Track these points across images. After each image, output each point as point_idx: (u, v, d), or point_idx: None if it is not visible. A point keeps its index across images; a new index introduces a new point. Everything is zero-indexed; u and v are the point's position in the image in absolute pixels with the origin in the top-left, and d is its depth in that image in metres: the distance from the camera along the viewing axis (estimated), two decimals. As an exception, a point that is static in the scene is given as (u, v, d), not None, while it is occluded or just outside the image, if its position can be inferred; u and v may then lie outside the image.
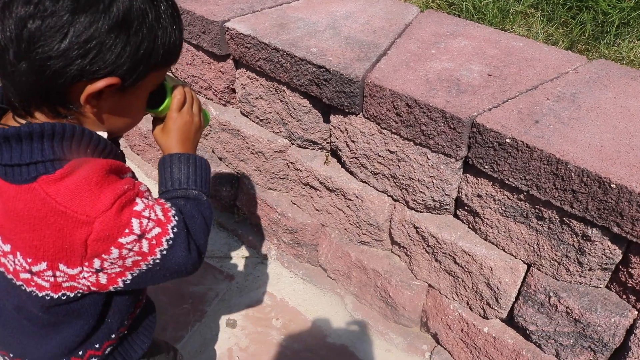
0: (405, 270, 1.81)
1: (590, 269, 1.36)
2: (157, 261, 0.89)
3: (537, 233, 1.41)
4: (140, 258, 0.87)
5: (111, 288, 0.90)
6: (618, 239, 1.27)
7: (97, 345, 1.05)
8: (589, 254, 1.32)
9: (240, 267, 2.23)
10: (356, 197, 1.76)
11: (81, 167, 0.82)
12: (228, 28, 1.76)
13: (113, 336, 1.07)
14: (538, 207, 1.35)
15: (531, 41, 1.65)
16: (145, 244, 0.87)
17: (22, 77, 0.78)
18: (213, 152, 2.25)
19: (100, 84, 0.81)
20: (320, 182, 1.84)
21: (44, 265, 0.86)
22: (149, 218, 0.86)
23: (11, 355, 1.04)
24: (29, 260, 0.86)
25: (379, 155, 1.62)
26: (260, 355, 1.90)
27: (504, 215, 1.45)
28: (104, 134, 0.91)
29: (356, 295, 1.99)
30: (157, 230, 0.88)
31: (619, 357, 1.41)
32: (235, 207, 2.30)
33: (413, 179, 1.57)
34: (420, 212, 1.65)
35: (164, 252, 0.89)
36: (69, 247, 0.83)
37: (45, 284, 0.89)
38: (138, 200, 0.86)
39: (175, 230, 0.90)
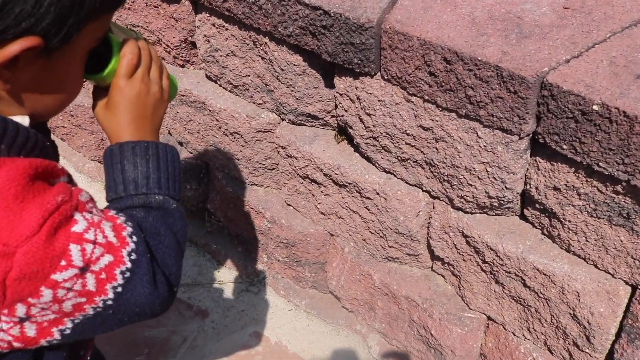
0: (453, 297, 1.85)
1: None
2: (109, 302, 0.90)
3: None
4: (84, 300, 0.88)
5: (43, 342, 0.90)
6: None
7: None
8: None
9: (217, 298, 2.29)
10: (377, 194, 1.79)
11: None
12: None
13: None
14: None
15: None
16: (90, 280, 0.87)
17: None
18: (170, 133, 2.29)
19: (14, 47, 0.80)
20: (325, 174, 1.87)
21: None
22: (94, 242, 0.86)
23: None
24: None
25: (408, 134, 1.63)
26: None
27: (594, 215, 1.45)
28: (25, 120, 0.90)
29: (384, 333, 2.04)
30: (107, 258, 0.88)
31: None
32: (206, 212, 2.37)
33: (458, 167, 1.59)
34: (471, 213, 1.68)
35: (119, 290, 0.90)
36: None
37: None
38: (78, 216, 0.86)
39: (133, 256, 0.91)
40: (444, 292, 1.85)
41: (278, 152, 1.97)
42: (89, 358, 1.18)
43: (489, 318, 1.80)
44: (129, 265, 0.90)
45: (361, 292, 2.00)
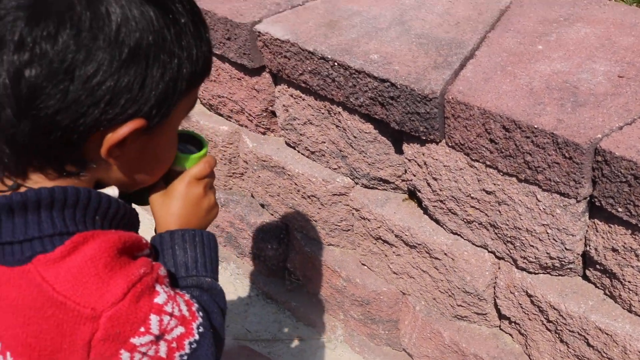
0: (521, 356, 1.85)
1: None
2: None
3: None
4: None
5: None
6: None
7: None
8: None
9: (296, 354, 2.34)
10: (445, 254, 1.83)
11: (87, 243, 0.88)
12: (260, 32, 1.90)
13: None
14: None
15: (685, 23, 1.67)
16: (163, 347, 0.93)
17: (25, 138, 0.85)
18: (252, 196, 2.38)
19: (123, 130, 0.88)
20: (396, 235, 1.92)
21: None
22: (171, 314, 0.93)
23: None
24: None
25: (472, 197, 1.69)
26: None
27: None
28: (115, 191, 0.98)
29: None
30: (179, 330, 0.94)
31: None
32: (286, 271, 2.42)
33: (520, 229, 1.63)
34: (535, 273, 1.71)
35: (186, 357, 0.95)
36: (68, 349, 0.89)
37: None
38: (159, 288, 0.92)
39: (200, 330, 0.97)
40: (511, 351, 1.86)
41: (352, 214, 2.04)
42: None
43: None
44: (196, 337, 0.95)
45: (432, 350, 2.02)
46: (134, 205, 1.09)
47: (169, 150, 1.04)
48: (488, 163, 1.59)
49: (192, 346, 0.95)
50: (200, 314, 0.98)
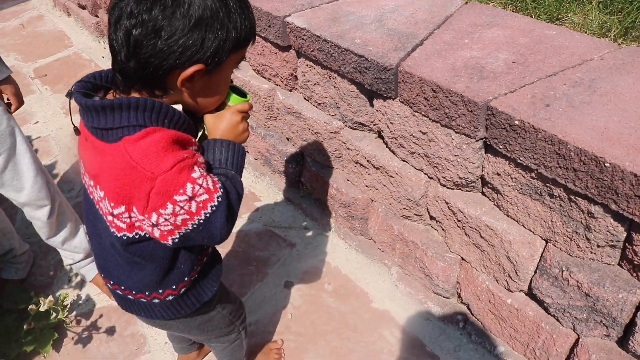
0: (442, 244, 1.92)
1: (598, 246, 1.43)
2: (201, 221, 1.02)
3: (550, 210, 1.49)
4: (188, 217, 1.01)
5: (166, 243, 1.05)
6: (619, 217, 1.33)
7: (173, 286, 1.24)
8: (595, 231, 1.39)
9: (302, 237, 2.43)
10: (397, 174, 1.89)
11: (154, 133, 0.98)
12: (288, 22, 1.96)
13: (186, 279, 1.24)
14: (548, 184, 1.44)
15: (565, 30, 1.70)
16: (194, 205, 1.00)
17: (131, 71, 0.98)
18: (282, 133, 2.47)
19: (189, 70, 0.98)
20: (368, 160, 2.00)
21: (122, 209, 1.03)
22: (201, 185, 0.99)
23: (111, 282, 1.27)
24: (112, 204, 1.04)
25: (413, 136, 1.75)
26: (311, 314, 2.11)
27: (521, 192, 1.54)
28: (179, 107, 1.05)
29: (400, 266, 2.13)
30: (205, 196, 1.01)
31: (629, 333, 1.47)
32: (300, 183, 2.51)
33: (441, 158, 1.69)
34: (451, 188, 1.76)
35: (207, 215, 1.02)
36: (138, 196, 0.99)
37: (122, 225, 1.06)
38: (196, 168, 0.99)
39: (219, 199, 1.03)
40: (436, 240, 1.94)
41: (342, 145, 2.10)
42: (210, 250, 1.31)
43: (462, 258, 1.87)
44: (215, 203, 1.02)
45: (387, 238, 2.11)
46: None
47: (221, 89, 1.10)
48: (423, 113, 1.64)
49: (212, 209, 1.02)
50: (221, 190, 1.04)
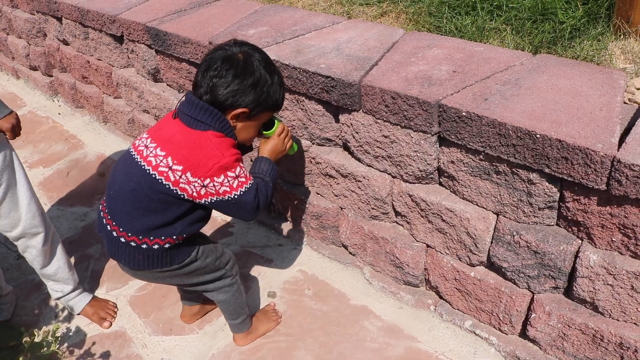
0: (408, 236, 2.12)
1: (539, 209, 1.73)
2: (235, 196, 1.52)
3: (497, 186, 1.75)
4: (228, 189, 1.50)
5: (202, 200, 1.51)
6: (552, 179, 1.64)
7: (162, 237, 1.59)
8: (535, 195, 1.70)
9: (278, 253, 2.59)
10: (364, 177, 2.07)
11: (226, 138, 1.53)
12: None
13: (174, 237, 1.61)
14: (494, 163, 1.71)
15: (490, 46, 2.05)
16: (235, 183, 1.51)
17: (205, 100, 1.51)
18: (251, 159, 2.65)
19: (238, 110, 1.53)
20: (336, 171, 2.17)
21: (180, 167, 1.47)
22: (243, 172, 1.54)
23: (113, 223, 1.62)
24: (175, 162, 1.47)
25: (377, 141, 1.94)
26: (296, 317, 2.28)
27: (472, 175, 1.76)
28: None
29: (372, 264, 2.32)
30: (243, 179, 1.53)
31: (572, 281, 1.76)
32: (272, 205, 2.67)
33: (403, 155, 1.89)
34: (413, 183, 1.96)
35: (241, 192, 1.53)
36: (202, 164, 1.45)
37: (172, 177, 1.47)
38: (240, 164, 1.54)
39: (250, 185, 1.56)
40: (402, 233, 2.12)
41: (311, 161, 2.26)
42: (192, 235, 1.69)
43: (427, 245, 2.06)
44: (248, 186, 1.56)
45: (358, 239, 2.27)
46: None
47: (251, 132, 1.63)
48: (384, 119, 1.84)
49: (245, 189, 1.55)
50: (252, 182, 1.57)
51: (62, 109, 4.20)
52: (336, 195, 2.30)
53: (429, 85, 1.79)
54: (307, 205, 2.44)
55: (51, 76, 4.21)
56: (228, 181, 1.49)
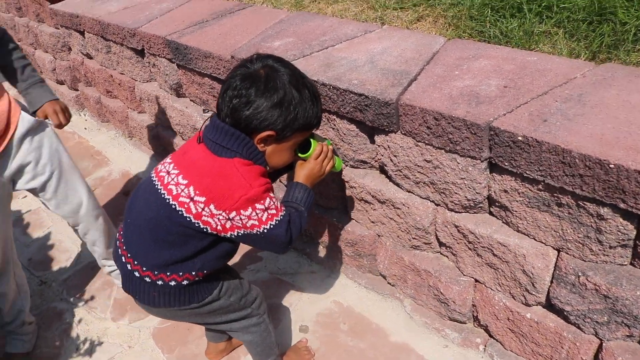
0: (453, 269, 1.97)
1: (610, 247, 1.50)
2: (265, 230, 1.41)
3: (559, 219, 1.56)
4: (256, 223, 1.39)
5: (228, 234, 1.40)
6: (628, 215, 1.41)
7: (180, 273, 1.49)
8: (606, 232, 1.47)
9: (310, 281, 2.46)
10: (403, 205, 1.94)
11: (255, 166, 1.42)
12: None
13: (193, 273, 1.50)
14: (555, 194, 1.52)
15: (544, 55, 1.83)
16: (264, 216, 1.39)
17: (227, 123, 1.40)
18: (279, 182, 2.53)
19: (264, 134, 1.40)
20: (372, 196, 2.04)
21: (203, 199, 1.36)
22: (274, 204, 1.42)
23: (128, 255, 1.53)
24: (197, 192, 1.37)
25: (418, 165, 1.81)
26: (330, 355, 2.11)
27: (529, 206, 1.61)
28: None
29: (413, 297, 2.17)
30: (273, 211, 1.41)
31: (651, 328, 1.53)
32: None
33: (448, 182, 1.75)
34: (459, 212, 1.82)
35: (271, 226, 1.41)
36: (227, 196, 1.34)
37: (194, 210, 1.37)
38: (271, 194, 1.43)
39: (281, 218, 1.44)
40: (447, 266, 1.98)
41: (344, 185, 2.14)
42: (213, 270, 1.58)
43: (476, 280, 1.91)
44: (279, 219, 1.43)
45: (397, 270, 2.15)
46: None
47: (285, 156, 1.50)
48: (426, 142, 1.71)
49: (276, 222, 1.42)
50: (284, 212, 1.45)
51: (89, 124, 4.15)
52: (373, 222, 2.16)
53: (476, 104, 1.61)
54: (341, 232, 2.30)
55: (77, 90, 4.17)
56: (256, 214, 1.38)
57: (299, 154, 1.57)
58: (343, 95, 1.86)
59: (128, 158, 3.66)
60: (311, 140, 1.58)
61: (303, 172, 1.61)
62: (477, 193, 1.72)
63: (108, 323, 2.46)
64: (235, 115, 1.37)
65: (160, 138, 3.30)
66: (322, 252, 2.51)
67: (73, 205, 2.08)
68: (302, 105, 1.40)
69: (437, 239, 1.99)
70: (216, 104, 1.43)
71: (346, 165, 2.15)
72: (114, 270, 2.42)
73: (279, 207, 1.45)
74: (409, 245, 2.09)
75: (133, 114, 3.50)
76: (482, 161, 1.63)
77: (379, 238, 2.20)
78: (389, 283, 2.28)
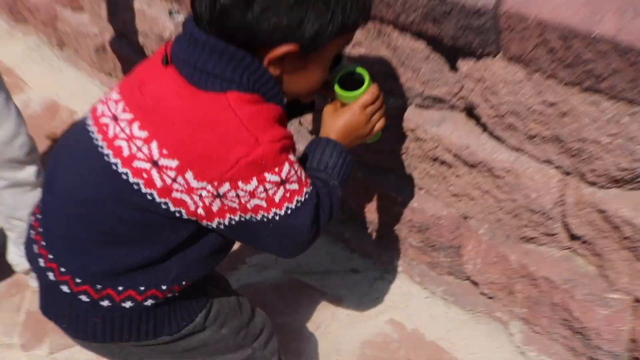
0: (596, 278, 1.96)
1: None
2: (277, 218, 1.38)
3: None
4: (265, 205, 1.35)
5: (214, 222, 1.37)
6: None
7: (141, 288, 1.47)
8: None
9: (351, 286, 2.49)
10: (508, 172, 1.95)
11: (263, 102, 1.37)
12: None
13: (163, 288, 1.49)
14: None
15: None
16: (280, 193, 1.35)
17: (211, 34, 1.32)
18: (300, 123, 2.52)
19: (279, 50, 1.32)
20: (455, 155, 2.05)
21: (174, 163, 1.31)
22: (296, 172, 1.37)
23: (49, 255, 1.51)
24: (164, 152, 1.32)
25: (533, 111, 1.79)
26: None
27: None
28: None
29: (525, 319, 2.18)
30: (295, 186, 1.37)
31: None
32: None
33: (586, 141, 1.73)
34: (606, 188, 1.80)
35: (289, 211, 1.38)
36: (215, 158, 1.29)
37: (158, 182, 1.33)
38: (292, 155, 1.37)
39: (307, 196, 1.41)
40: (585, 273, 1.96)
41: (406, 135, 2.16)
42: (212, 275, 1.69)
43: (636, 299, 1.88)
44: (304, 198, 1.39)
45: (499, 276, 2.16)
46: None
47: (317, 78, 1.48)
48: (548, 74, 1.68)
49: (297, 204, 1.38)
50: (311, 187, 1.43)
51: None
52: (455, 196, 2.19)
53: (635, 15, 1.54)
54: (401, 208, 2.33)
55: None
56: (265, 190, 1.34)
57: (338, 90, 1.59)
58: (404, -6, 1.82)
59: (56, 81, 3.66)
60: (360, 71, 1.60)
61: (339, 124, 1.61)
62: (636, 160, 1.68)
63: (15, 353, 2.51)
64: (228, 22, 1.30)
65: (109, 51, 3.32)
66: (369, 238, 2.54)
67: (10, 125, 2.23)
68: None
69: (567, 229, 1.97)
70: (190, 3, 1.37)
71: (408, 104, 2.15)
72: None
73: (303, 178, 1.41)
74: (518, 235, 2.08)
75: (65, 13, 3.47)
76: (646, 108, 1.60)
77: (465, 222, 2.23)
78: (483, 294, 2.30)
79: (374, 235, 2.54)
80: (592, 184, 1.84)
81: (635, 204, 1.77)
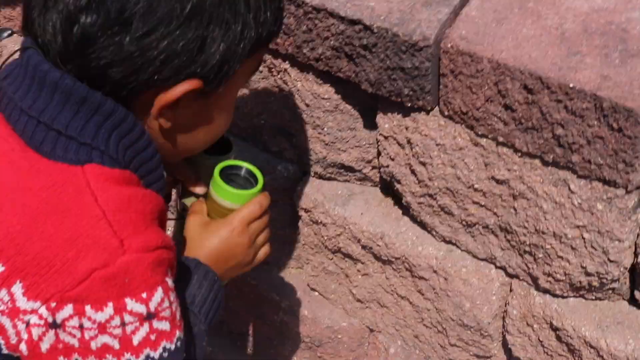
0: None
1: None
2: None
3: None
4: (117, 348, 1.15)
5: None
6: None
7: None
8: None
9: None
10: (434, 272, 1.93)
11: (139, 187, 1.23)
12: None
13: None
14: None
15: None
16: (140, 333, 1.15)
17: (67, 71, 1.16)
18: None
19: (178, 90, 1.18)
20: (364, 246, 2.03)
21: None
22: (170, 304, 1.19)
23: None
24: None
25: (476, 189, 1.76)
26: None
27: None
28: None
29: None
30: (166, 325, 1.19)
31: None
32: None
33: (544, 233, 1.70)
34: (564, 297, 1.79)
35: (151, 358, 1.19)
36: (57, 265, 1.11)
37: None
38: (169, 275, 1.21)
39: (178, 344, 1.23)
40: None
41: (300, 215, 2.13)
42: None
43: None
44: (173, 347, 1.20)
45: None
46: None
47: (226, 116, 1.38)
48: (501, 139, 1.65)
49: (162, 354, 1.19)
50: (180, 335, 1.24)
51: None
52: (360, 301, 2.18)
53: (623, 58, 1.52)
54: (285, 315, 2.30)
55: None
56: (123, 323, 1.15)
57: (220, 182, 1.49)
58: (312, 20, 1.78)
59: None
60: (250, 168, 1.57)
61: (212, 243, 1.53)
62: (609, 261, 1.66)
63: None
64: (92, 54, 1.15)
65: None
66: (238, 355, 2.49)
67: None
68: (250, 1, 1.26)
69: (507, 349, 1.97)
70: (23, 23, 1.25)
71: (305, 173, 2.14)
72: None
73: (178, 317, 1.25)
74: (443, 357, 2.05)
75: None
76: (628, 192, 1.56)
77: (371, 335, 2.20)
78: None
79: (243, 352, 2.48)
80: (546, 291, 1.83)
81: (599, 320, 1.77)
